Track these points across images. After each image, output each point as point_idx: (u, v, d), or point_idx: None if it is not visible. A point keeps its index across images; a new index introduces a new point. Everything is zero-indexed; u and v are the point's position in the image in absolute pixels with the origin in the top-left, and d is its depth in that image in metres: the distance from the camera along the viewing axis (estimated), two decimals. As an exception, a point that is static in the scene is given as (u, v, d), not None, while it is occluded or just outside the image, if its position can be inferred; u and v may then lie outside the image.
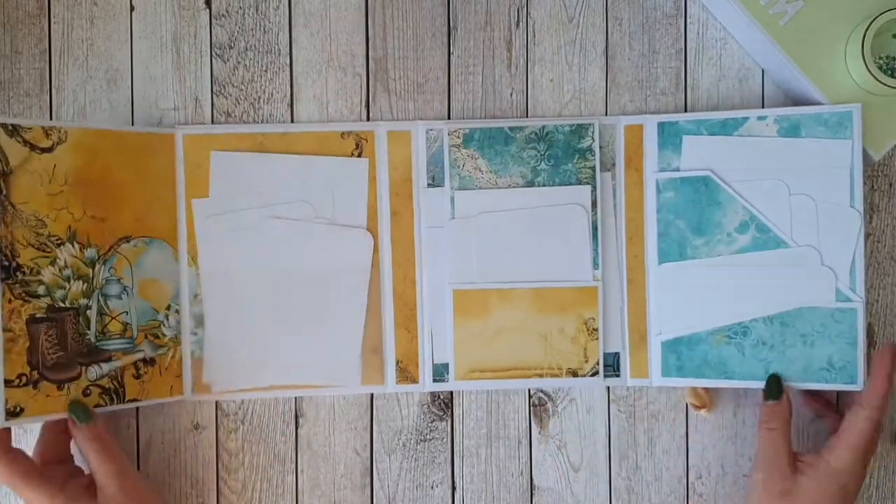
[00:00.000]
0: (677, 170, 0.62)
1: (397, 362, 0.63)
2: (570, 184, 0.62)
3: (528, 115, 0.64)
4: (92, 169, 0.58)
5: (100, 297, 0.59)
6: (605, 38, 0.64)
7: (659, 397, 0.64)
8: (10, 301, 0.55)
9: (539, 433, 0.64)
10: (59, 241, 0.57)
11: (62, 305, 0.57)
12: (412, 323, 0.63)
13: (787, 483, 0.56)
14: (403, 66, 0.64)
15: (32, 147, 0.56)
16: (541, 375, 0.62)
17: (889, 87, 0.57)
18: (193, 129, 0.62)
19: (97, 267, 0.59)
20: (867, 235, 0.64)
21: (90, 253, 0.58)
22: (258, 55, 0.63)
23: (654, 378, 0.62)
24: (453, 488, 0.64)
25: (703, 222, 0.61)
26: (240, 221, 0.62)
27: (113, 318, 0.59)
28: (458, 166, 0.62)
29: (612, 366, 0.63)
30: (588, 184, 0.62)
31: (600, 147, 0.62)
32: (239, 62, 0.63)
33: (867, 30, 0.56)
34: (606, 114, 0.64)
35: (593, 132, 0.62)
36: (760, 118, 0.61)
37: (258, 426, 0.63)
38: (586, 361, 0.62)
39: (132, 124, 0.63)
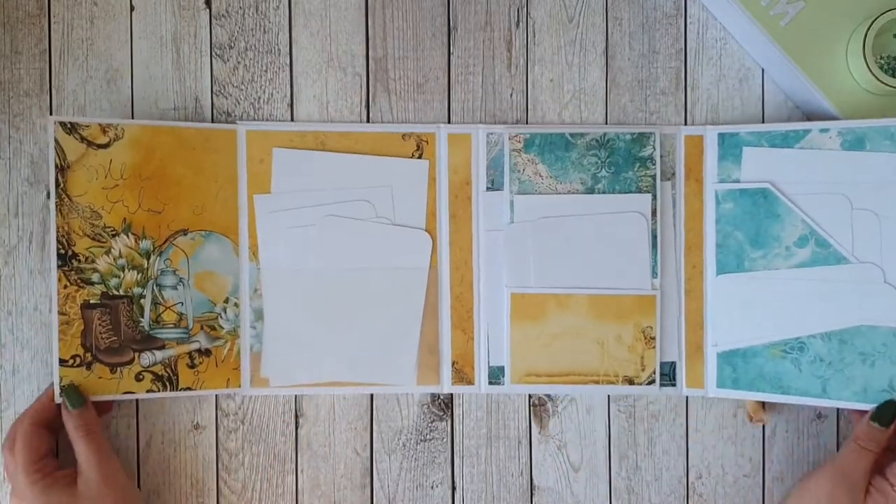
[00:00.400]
0: (737, 181, 0.61)
1: (453, 363, 0.62)
2: (631, 192, 0.61)
3: (528, 115, 0.63)
4: (149, 164, 0.59)
5: (154, 287, 0.60)
6: (605, 38, 0.63)
7: (659, 398, 0.63)
8: (65, 287, 0.58)
9: (539, 433, 0.63)
10: (114, 232, 0.59)
11: (116, 293, 0.59)
12: (469, 325, 0.62)
13: None
14: (403, 66, 0.63)
15: (89, 143, 0.58)
16: (597, 382, 0.61)
17: (890, 86, 0.56)
18: (256, 126, 0.62)
19: (152, 258, 0.60)
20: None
21: (145, 244, 0.59)
22: (258, 55, 0.63)
23: (710, 389, 0.62)
24: (453, 488, 0.63)
25: (762, 235, 0.60)
26: (301, 218, 0.61)
27: (167, 307, 0.60)
28: (519, 171, 0.61)
29: (668, 375, 0.62)
30: (648, 192, 0.61)
31: (661, 156, 0.61)
32: (239, 62, 0.63)
33: (868, 30, 0.55)
34: (607, 115, 0.63)
35: (654, 141, 0.61)
36: (823, 130, 0.59)
37: (258, 426, 0.62)
38: (643, 370, 0.62)
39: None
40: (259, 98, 0.62)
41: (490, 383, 0.62)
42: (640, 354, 0.61)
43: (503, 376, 0.62)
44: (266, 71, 0.63)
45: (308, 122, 0.62)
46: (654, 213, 0.61)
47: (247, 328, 0.61)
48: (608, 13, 0.63)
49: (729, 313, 0.61)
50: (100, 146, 0.58)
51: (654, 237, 0.61)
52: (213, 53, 0.62)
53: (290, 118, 0.63)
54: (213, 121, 0.62)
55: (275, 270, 0.61)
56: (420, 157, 0.62)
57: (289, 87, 0.63)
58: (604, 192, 0.61)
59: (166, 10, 0.62)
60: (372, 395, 0.63)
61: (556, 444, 0.63)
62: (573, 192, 0.61)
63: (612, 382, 0.61)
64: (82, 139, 0.58)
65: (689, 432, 0.63)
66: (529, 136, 0.61)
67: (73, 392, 0.57)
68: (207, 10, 0.62)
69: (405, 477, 0.63)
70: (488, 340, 0.62)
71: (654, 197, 0.61)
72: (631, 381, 0.61)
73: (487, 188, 0.62)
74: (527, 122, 0.63)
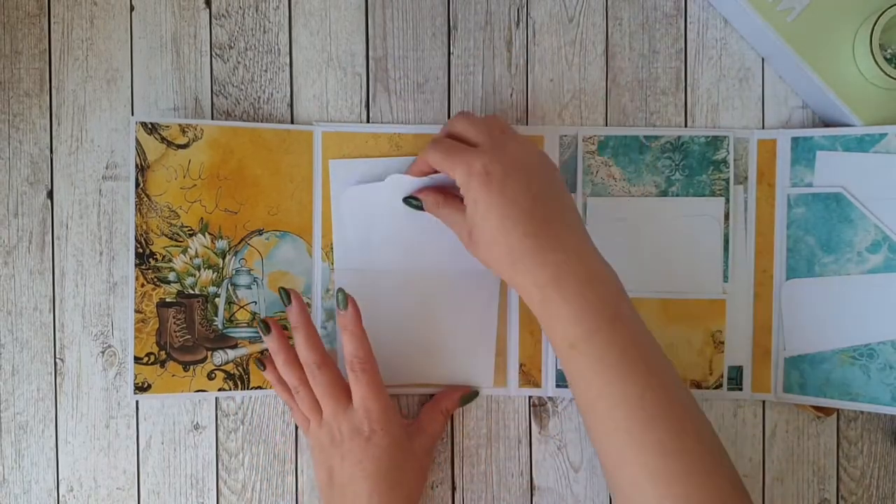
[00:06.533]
0: (810, 185, 0.56)
1: (521, 366, 0.58)
2: (704, 195, 0.57)
3: (528, 115, 0.58)
4: (226, 164, 0.56)
5: (229, 287, 0.56)
6: (605, 38, 0.58)
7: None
8: (142, 285, 0.55)
9: (539, 433, 0.58)
10: (190, 232, 0.56)
11: (191, 292, 0.56)
12: (537, 327, 0.58)
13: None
14: (403, 66, 0.58)
15: (169, 144, 0.55)
16: None
17: (898, 80, 0.51)
18: (331, 127, 0.57)
19: (227, 257, 0.56)
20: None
21: (221, 244, 0.56)
22: (258, 55, 0.57)
23: (777, 393, 0.57)
24: (453, 488, 0.58)
25: (834, 240, 0.56)
26: (375, 216, 0.57)
27: (241, 307, 0.56)
28: (592, 173, 0.57)
29: (735, 379, 0.58)
30: (722, 196, 0.57)
31: (734, 160, 0.57)
32: (239, 62, 0.57)
33: (875, 24, 0.51)
34: (607, 115, 0.58)
35: (728, 144, 0.57)
36: None
37: (258, 426, 0.57)
38: (710, 374, 0.57)
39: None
40: (259, 98, 0.57)
41: (557, 386, 0.58)
42: (709, 359, 0.57)
43: None
44: (266, 71, 0.57)
45: (383, 123, 0.58)
46: (726, 216, 0.57)
47: (318, 328, 0.57)
48: (608, 13, 0.58)
49: (798, 318, 0.57)
50: (179, 146, 0.55)
51: (726, 241, 0.57)
52: (213, 53, 0.57)
53: (290, 118, 0.57)
54: (212, 119, 0.57)
55: (348, 271, 0.57)
56: None
57: (289, 86, 0.58)
58: (677, 195, 0.57)
59: (166, 10, 0.57)
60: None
61: (556, 444, 0.58)
62: (646, 195, 0.57)
63: None
64: (162, 139, 0.55)
65: (689, 432, 0.58)
66: (603, 138, 0.57)
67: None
68: (207, 10, 0.57)
69: (405, 477, 0.58)
70: None
71: (727, 200, 0.57)
72: (698, 385, 0.57)
73: None
74: (527, 123, 0.58)
